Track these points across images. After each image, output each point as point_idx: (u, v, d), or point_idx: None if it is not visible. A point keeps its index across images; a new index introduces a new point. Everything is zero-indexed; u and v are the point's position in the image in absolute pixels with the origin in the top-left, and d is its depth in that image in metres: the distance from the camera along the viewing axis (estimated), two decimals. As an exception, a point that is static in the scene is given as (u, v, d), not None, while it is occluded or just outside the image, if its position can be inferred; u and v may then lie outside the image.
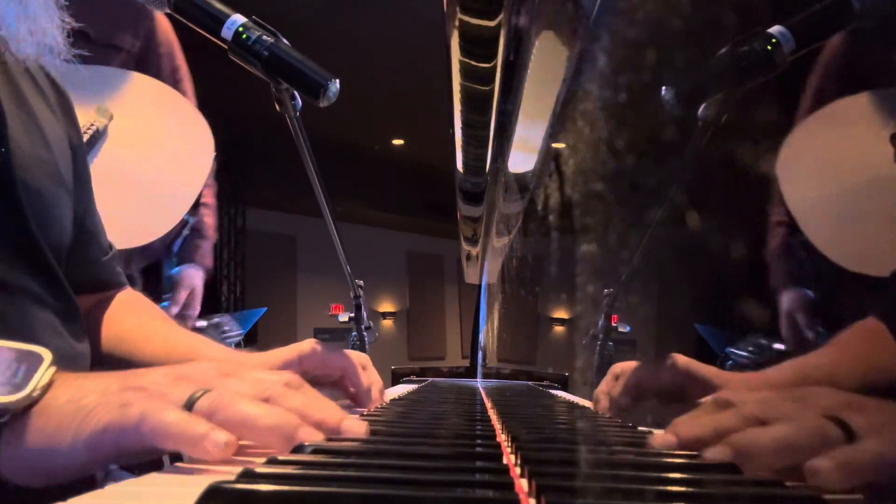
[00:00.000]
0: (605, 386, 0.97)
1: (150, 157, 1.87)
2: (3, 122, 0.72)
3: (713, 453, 0.48)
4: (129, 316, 0.96)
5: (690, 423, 0.55)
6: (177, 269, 1.99)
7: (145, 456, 0.49)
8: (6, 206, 0.71)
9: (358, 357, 0.93)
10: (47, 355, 0.50)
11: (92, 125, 1.68)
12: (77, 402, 0.48)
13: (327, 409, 0.55)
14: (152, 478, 0.42)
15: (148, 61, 1.94)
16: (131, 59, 1.90)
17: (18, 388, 0.47)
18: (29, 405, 0.48)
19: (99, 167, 1.76)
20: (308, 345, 0.90)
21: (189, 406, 0.49)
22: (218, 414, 0.48)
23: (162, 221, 1.77)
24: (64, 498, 0.34)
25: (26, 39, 0.73)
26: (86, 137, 1.72)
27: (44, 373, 0.49)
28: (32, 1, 0.73)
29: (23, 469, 0.48)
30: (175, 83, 2.01)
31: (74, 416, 0.47)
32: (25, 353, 0.49)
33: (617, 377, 0.95)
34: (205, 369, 0.56)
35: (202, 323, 2.14)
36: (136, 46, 1.90)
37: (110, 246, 0.98)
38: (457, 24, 0.69)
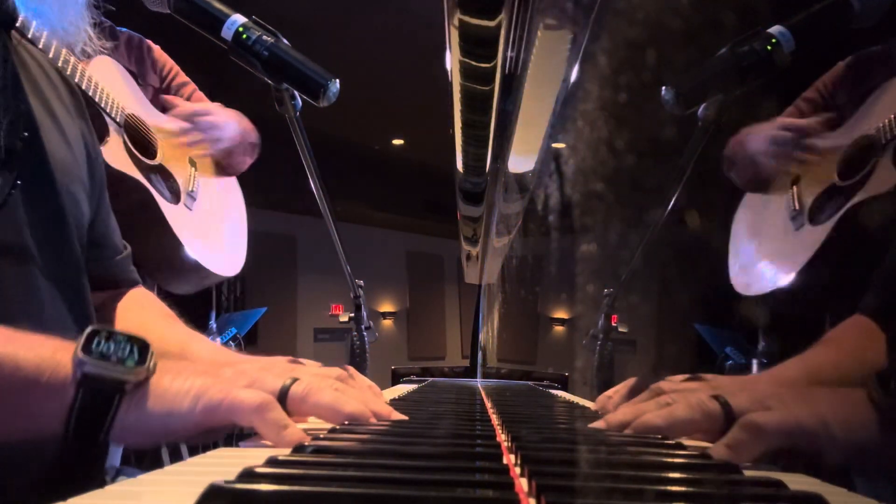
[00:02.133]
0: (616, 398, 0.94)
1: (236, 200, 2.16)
2: (34, 126, 0.76)
3: (626, 431, 0.65)
4: (133, 312, 0.98)
5: (618, 412, 0.70)
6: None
7: (233, 429, 0.60)
8: (49, 207, 0.76)
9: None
10: (150, 343, 0.58)
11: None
12: (186, 381, 0.58)
13: (379, 400, 0.70)
14: (153, 478, 0.42)
15: (169, 92, 1.94)
16: (157, 95, 1.89)
17: (137, 364, 0.56)
18: (145, 378, 0.57)
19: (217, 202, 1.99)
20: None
21: (285, 391, 0.61)
22: (310, 398, 0.61)
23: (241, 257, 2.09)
24: (64, 497, 0.34)
25: (58, 31, 0.75)
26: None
27: (153, 355, 0.58)
28: None
29: (140, 430, 0.56)
30: (193, 99, 2.00)
31: (190, 390, 0.57)
32: (135, 338, 0.57)
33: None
34: (279, 363, 0.69)
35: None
36: (157, 81, 1.90)
37: (124, 245, 0.99)
38: (457, 24, 0.69)
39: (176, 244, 1.72)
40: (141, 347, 0.57)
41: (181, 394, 0.57)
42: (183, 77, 2.00)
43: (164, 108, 1.89)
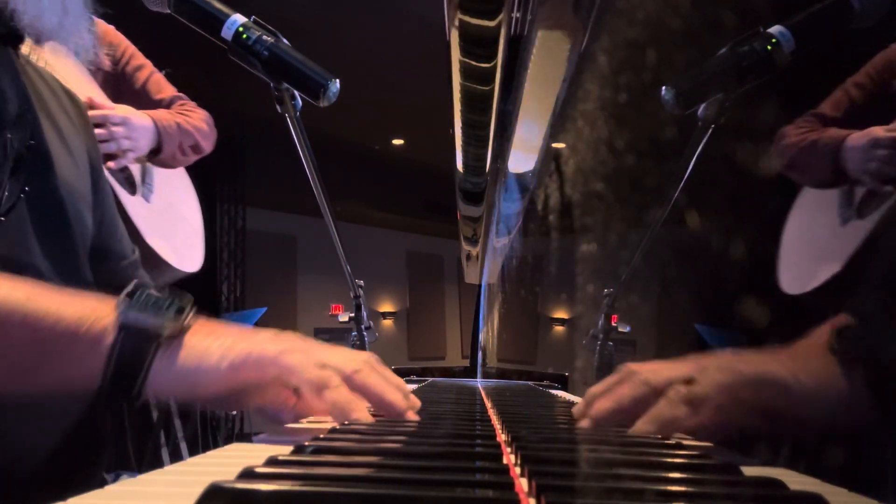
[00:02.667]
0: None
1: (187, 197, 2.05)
2: (40, 135, 0.77)
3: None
4: None
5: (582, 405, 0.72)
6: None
7: (266, 391, 0.64)
8: (55, 220, 0.78)
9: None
10: (190, 299, 0.61)
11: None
12: (217, 339, 0.60)
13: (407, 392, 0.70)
14: (152, 478, 0.42)
15: (123, 76, 1.82)
16: (109, 79, 1.79)
17: (175, 316, 0.59)
18: (182, 331, 0.59)
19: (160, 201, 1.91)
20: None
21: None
22: (356, 377, 0.62)
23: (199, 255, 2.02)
24: (64, 497, 0.34)
25: (64, 37, 0.76)
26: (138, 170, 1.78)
27: (191, 310, 0.60)
28: (74, 9, 0.76)
29: (171, 381, 0.58)
30: (149, 83, 1.86)
31: (220, 345, 0.59)
32: (178, 294, 0.60)
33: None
34: (308, 339, 0.68)
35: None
36: (108, 64, 1.78)
37: (133, 250, 1.00)
38: (457, 24, 0.69)
39: (137, 237, 1.69)
40: (182, 302, 0.60)
41: (211, 350, 0.59)
42: (139, 59, 1.86)
43: (117, 92, 1.79)
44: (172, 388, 0.59)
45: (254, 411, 0.71)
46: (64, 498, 0.34)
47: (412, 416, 0.66)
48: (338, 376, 0.61)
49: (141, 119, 1.69)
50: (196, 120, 1.85)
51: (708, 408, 0.61)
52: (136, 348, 0.57)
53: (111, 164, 1.65)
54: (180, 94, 1.89)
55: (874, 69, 1.72)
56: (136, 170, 1.82)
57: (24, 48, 0.81)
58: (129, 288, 0.59)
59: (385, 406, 0.64)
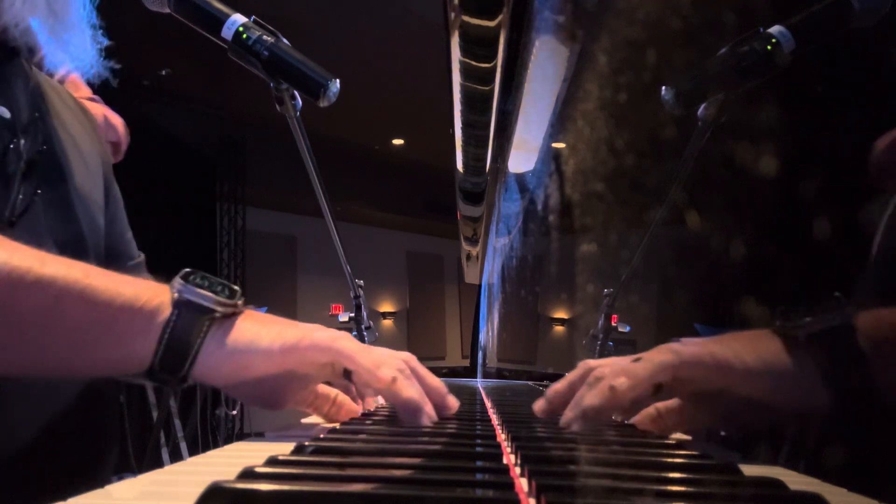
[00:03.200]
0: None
1: None
2: (52, 141, 0.79)
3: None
4: None
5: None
6: None
7: (311, 380, 0.67)
8: (69, 225, 0.79)
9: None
10: (237, 289, 0.63)
11: None
12: (268, 325, 0.63)
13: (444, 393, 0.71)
14: (152, 478, 0.42)
15: None
16: None
17: (229, 298, 0.61)
18: (234, 313, 0.62)
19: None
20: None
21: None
22: (400, 378, 0.63)
23: None
24: (63, 497, 0.34)
25: (62, 55, 0.78)
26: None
27: (242, 297, 0.63)
28: (69, 18, 0.77)
29: (220, 361, 0.60)
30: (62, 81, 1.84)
31: (271, 330, 0.62)
32: (227, 283, 0.63)
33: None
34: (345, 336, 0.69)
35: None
36: None
37: (139, 253, 1.02)
38: (457, 24, 0.69)
39: None
40: (232, 288, 0.62)
41: (262, 333, 0.62)
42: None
43: None
44: (221, 368, 0.61)
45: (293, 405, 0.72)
46: (64, 497, 0.34)
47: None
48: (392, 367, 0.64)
49: (114, 116, 1.67)
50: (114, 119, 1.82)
51: (645, 387, 0.62)
52: (189, 325, 0.59)
53: None
54: (95, 97, 1.85)
55: None
56: None
57: None
58: (184, 271, 0.61)
59: (414, 412, 0.64)
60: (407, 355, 0.69)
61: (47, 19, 0.76)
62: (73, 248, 0.80)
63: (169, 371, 0.59)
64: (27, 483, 0.69)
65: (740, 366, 0.59)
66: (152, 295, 0.59)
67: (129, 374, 0.61)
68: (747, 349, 0.60)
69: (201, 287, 0.60)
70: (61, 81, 1.78)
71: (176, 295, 0.59)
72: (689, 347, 0.62)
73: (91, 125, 0.95)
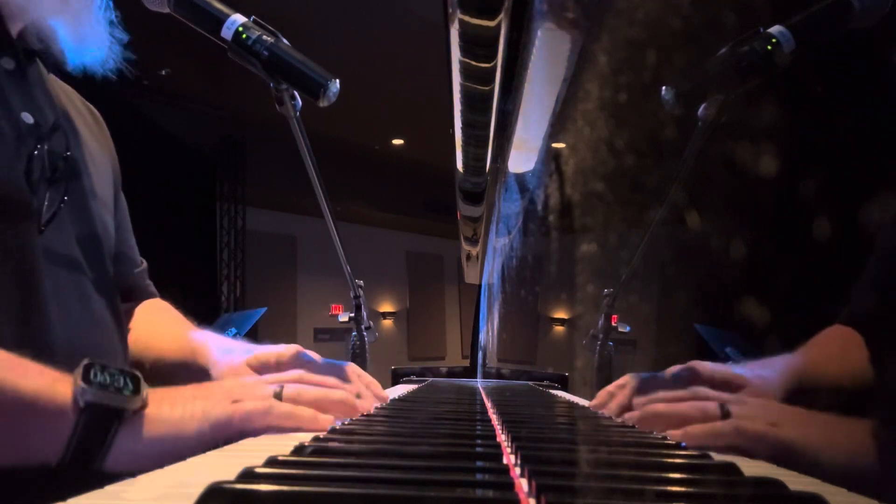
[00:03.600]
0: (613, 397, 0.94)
1: None
2: (74, 150, 0.81)
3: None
4: (149, 318, 1.03)
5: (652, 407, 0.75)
6: None
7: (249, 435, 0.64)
8: (87, 225, 0.81)
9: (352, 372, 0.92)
10: (139, 375, 0.60)
11: None
12: (185, 405, 0.62)
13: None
14: (152, 478, 0.42)
15: None
16: None
17: (133, 393, 0.58)
18: (142, 407, 0.59)
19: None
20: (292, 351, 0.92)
21: (278, 395, 0.67)
22: (302, 397, 0.68)
23: None
24: (63, 498, 0.34)
25: (79, 53, 0.79)
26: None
27: (145, 386, 0.60)
28: (85, 17, 0.78)
29: (144, 455, 0.58)
30: None
31: (194, 413, 0.61)
32: (127, 371, 0.59)
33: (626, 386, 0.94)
34: (257, 378, 0.73)
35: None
36: None
37: (141, 261, 1.05)
38: (457, 24, 0.69)
39: None
40: (133, 377, 0.59)
41: (185, 418, 0.61)
42: None
43: None
44: (149, 457, 0.58)
45: None
46: (64, 498, 0.34)
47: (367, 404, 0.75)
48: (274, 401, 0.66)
49: None
50: None
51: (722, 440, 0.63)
52: (98, 427, 0.57)
53: None
54: None
55: None
56: None
57: None
58: (84, 364, 0.58)
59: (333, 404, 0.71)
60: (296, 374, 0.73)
61: (69, 17, 0.77)
62: (91, 248, 0.82)
63: (78, 469, 0.57)
64: (27, 483, 0.69)
65: (812, 461, 0.59)
66: (53, 395, 0.57)
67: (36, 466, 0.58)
68: (831, 442, 0.61)
69: (105, 385, 0.57)
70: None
71: (81, 402, 0.56)
72: (753, 426, 0.62)
73: (99, 126, 0.96)
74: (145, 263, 1.05)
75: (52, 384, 0.58)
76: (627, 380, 0.95)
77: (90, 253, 0.81)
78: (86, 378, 0.57)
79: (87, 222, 0.82)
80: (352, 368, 0.91)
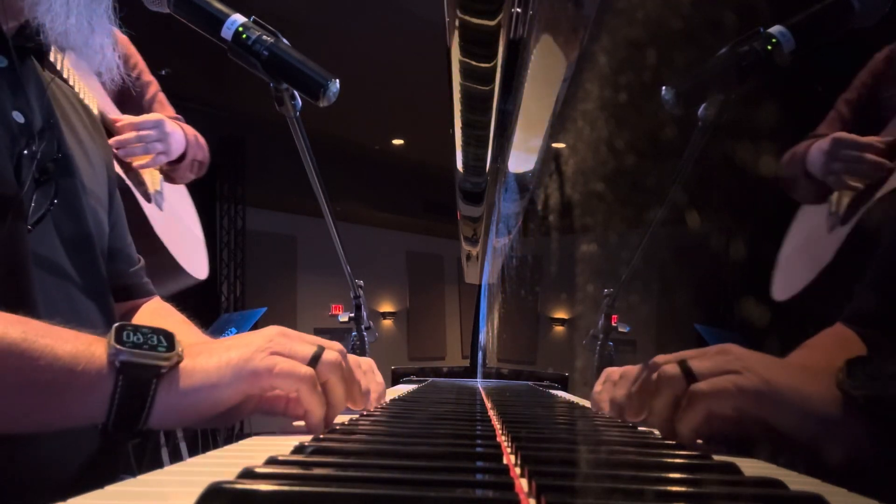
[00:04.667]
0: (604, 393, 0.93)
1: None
2: (65, 148, 0.81)
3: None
4: (155, 321, 1.00)
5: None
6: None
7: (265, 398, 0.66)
8: (78, 227, 0.81)
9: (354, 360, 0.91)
10: (172, 332, 0.61)
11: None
12: (222, 353, 0.61)
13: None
14: (152, 478, 0.42)
15: (133, 89, 1.82)
16: (117, 90, 1.78)
17: (168, 349, 0.59)
18: (178, 363, 0.60)
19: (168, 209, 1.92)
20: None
21: (317, 357, 0.63)
22: (335, 369, 0.64)
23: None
24: (64, 498, 0.34)
25: (90, 55, 0.79)
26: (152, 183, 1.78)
27: (179, 342, 0.61)
28: (99, 27, 0.78)
29: (184, 410, 0.59)
30: (155, 101, 1.89)
31: (229, 362, 0.60)
32: (159, 329, 0.60)
33: (612, 381, 0.92)
34: (286, 330, 0.68)
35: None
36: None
37: (138, 258, 1.03)
38: (457, 24, 0.69)
39: (158, 244, 1.70)
40: (166, 334, 0.60)
41: (221, 366, 0.60)
42: (148, 75, 1.89)
43: (120, 101, 1.79)
44: (180, 415, 0.60)
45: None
46: (65, 498, 0.34)
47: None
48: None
49: (172, 125, 1.71)
50: (199, 140, 1.88)
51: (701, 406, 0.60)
52: (137, 386, 0.58)
53: (137, 162, 1.65)
54: (178, 116, 1.90)
55: (861, 83, 1.76)
56: (147, 179, 1.82)
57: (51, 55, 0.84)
58: (116, 327, 0.59)
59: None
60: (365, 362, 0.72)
61: (76, 23, 0.77)
62: (82, 248, 0.81)
63: (124, 429, 0.58)
64: (27, 483, 0.69)
65: (776, 402, 0.57)
66: (90, 358, 0.58)
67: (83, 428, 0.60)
68: (793, 384, 0.59)
69: (138, 344, 0.58)
70: (138, 78, 1.82)
71: (117, 363, 0.57)
72: (713, 385, 0.58)
73: (94, 124, 0.96)
74: (143, 261, 1.04)
75: (88, 346, 0.59)
76: (606, 375, 0.93)
77: (80, 255, 0.81)
78: (118, 339, 0.58)
79: (79, 221, 0.82)
80: (369, 363, 0.91)
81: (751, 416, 0.59)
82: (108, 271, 0.90)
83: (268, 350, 0.62)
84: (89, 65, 0.82)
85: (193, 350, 0.62)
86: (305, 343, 0.65)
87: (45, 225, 0.75)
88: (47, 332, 0.59)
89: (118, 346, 0.58)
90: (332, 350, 0.65)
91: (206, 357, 0.61)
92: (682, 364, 0.62)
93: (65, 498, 0.33)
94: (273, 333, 0.65)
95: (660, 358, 0.67)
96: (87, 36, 0.79)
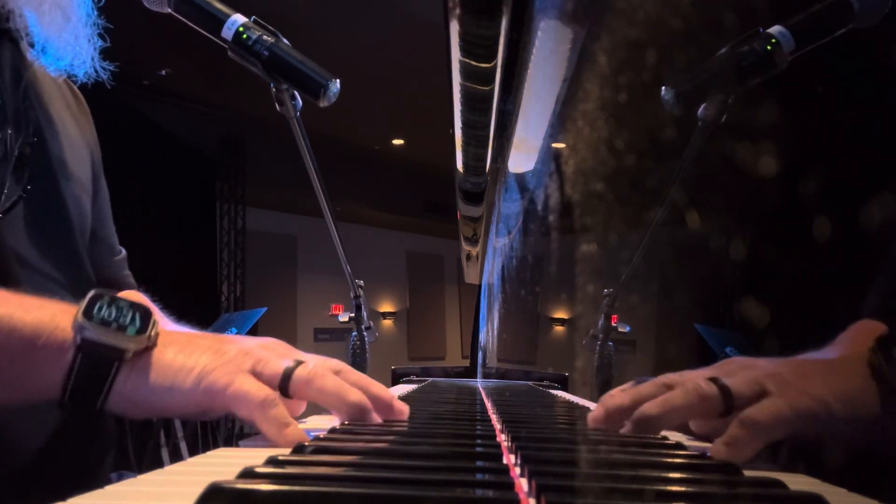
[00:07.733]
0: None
1: None
2: (42, 132, 0.78)
3: (626, 429, 0.61)
4: None
5: (616, 396, 0.65)
6: None
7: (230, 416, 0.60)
8: (56, 214, 0.78)
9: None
10: (153, 310, 0.57)
11: None
12: (191, 356, 0.56)
13: (379, 386, 0.67)
14: (152, 478, 0.42)
15: None
16: None
17: (139, 332, 0.55)
18: (146, 348, 0.56)
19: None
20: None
21: (289, 373, 0.58)
22: (314, 382, 0.58)
23: None
24: (63, 497, 0.34)
25: (66, 56, 0.78)
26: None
27: (154, 324, 0.56)
28: (75, 19, 0.77)
29: (138, 401, 0.56)
30: None
31: (194, 367, 0.56)
32: (138, 305, 0.56)
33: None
34: (280, 344, 0.64)
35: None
36: None
37: (120, 249, 1.01)
38: (457, 24, 0.69)
39: None
40: (143, 315, 0.56)
41: (185, 370, 0.56)
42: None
43: None
44: (140, 407, 0.56)
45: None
46: (64, 498, 0.34)
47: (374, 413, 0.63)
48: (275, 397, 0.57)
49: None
50: None
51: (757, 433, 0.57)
52: (97, 366, 0.54)
53: None
54: None
55: None
56: None
57: None
58: (90, 296, 0.55)
59: (346, 407, 0.61)
60: (337, 365, 0.64)
61: (48, 12, 0.76)
62: (60, 236, 0.79)
63: (81, 409, 0.55)
64: (27, 483, 0.69)
65: (829, 417, 0.55)
66: (53, 330, 0.55)
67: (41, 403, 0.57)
68: (836, 391, 0.56)
69: (107, 321, 0.54)
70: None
71: (79, 339, 0.54)
72: (770, 413, 0.55)
73: (80, 108, 0.93)
74: (125, 252, 1.01)
75: (53, 318, 0.55)
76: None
77: (58, 244, 0.78)
78: (88, 312, 0.54)
79: (57, 208, 0.79)
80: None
81: (804, 435, 0.57)
82: (91, 260, 0.88)
83: (238, 364, 0.57)
84: (61, 58, 0.80)
85: (169, 339, 0.58)
86: (284, 358, 0.60)
87: (18, 217, 0.72)
88: (6, 301, 0.56)
89: (83, 321, 0.54)
90: (311, 364, 0.60)
91: (176, 353, 0.57)
92: (718, 382, 0.59)
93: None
94: (254, 345, 0.61)
95: (669, 377, 0.65)
96: (60, 26, 0.77)
